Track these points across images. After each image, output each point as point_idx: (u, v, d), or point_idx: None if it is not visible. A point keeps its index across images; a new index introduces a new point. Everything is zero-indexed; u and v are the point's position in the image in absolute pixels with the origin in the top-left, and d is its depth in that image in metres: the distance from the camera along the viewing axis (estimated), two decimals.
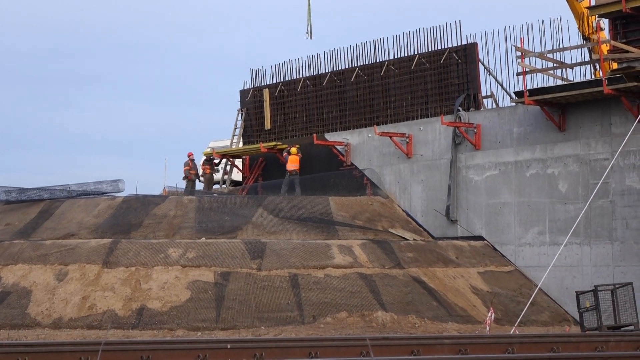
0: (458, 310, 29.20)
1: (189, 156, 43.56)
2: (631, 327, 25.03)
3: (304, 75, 42.75)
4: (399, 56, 38.74)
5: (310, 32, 23.08)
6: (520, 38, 33.84)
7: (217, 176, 46.04)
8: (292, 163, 38.93)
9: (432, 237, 34.48)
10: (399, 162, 36.66)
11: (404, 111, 37.56)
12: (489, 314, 27.84)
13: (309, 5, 21.54)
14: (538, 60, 33.38)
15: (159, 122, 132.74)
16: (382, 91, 38.96)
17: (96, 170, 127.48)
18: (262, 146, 42.38)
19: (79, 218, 35.00)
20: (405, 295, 29.43)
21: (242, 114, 45.49)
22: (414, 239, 33.64)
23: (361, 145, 38.33)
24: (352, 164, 38.49)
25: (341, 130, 39.74)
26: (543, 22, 34.25)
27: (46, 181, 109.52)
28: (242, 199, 38.10)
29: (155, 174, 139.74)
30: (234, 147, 45.49)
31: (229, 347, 15.56)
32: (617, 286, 25.67)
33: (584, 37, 34.14)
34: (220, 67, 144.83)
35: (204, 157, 44.64)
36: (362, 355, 14.39)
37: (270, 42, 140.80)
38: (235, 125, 45.89)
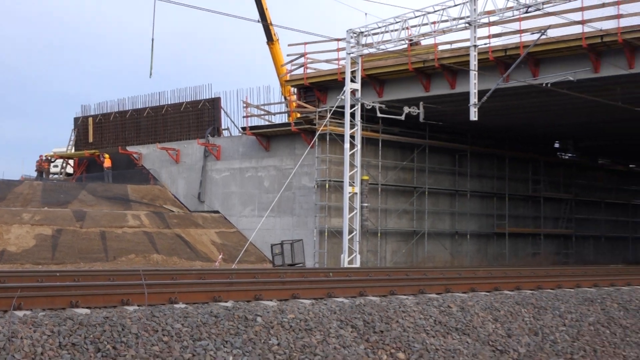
0: (202, 255, 29.16)
1: (40, 157, 42.47)
2: (301, 264, 25.88)
3: (115, 110, 41.65)
4: (174, 102, 38.38)
5: (151, 72, 22.43)
6: (246, 96, 34.31)
7: (55, 169, 44.79)
8: (107, 163, 38.10)
9: (189, 210, 34.20)
10: (171, 166, 36.17)
11: (176, 135, 37.19)
12: (220, 256, 28.01)
13: (152, 51, 20.94)
14: (255, 110, 33.86)
15: (19, 134, 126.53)
16: (163, 123, 38.39)
17: None
18: (86, 152, 41.11)
19: None
20: (171, 245, 29.13)
21: (74, 132, 43.81)
22: (178, 211, 33.36)
23: (149, 154, 37.55)
24: (142, 166, 37.66)
25: (137, 145, 38.81)
26: (259, 87, 34.97)
27: None
28: (72, 184, 36.93)
29: (16, 167, 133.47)
30: (68, 152, 43.81)
31: (57, 274, 15.05)
32: (293, 241, 26.46)
33: (284, 97, 34.98)
34: (63, 99, 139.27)
35: (45, 158, 42.98)
36: (141, 280, 14.23)
37: (98, 84, 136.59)
38: (70, 138, 44.13)
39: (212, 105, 36.35)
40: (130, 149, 38.56)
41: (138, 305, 10.04)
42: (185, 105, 37.44)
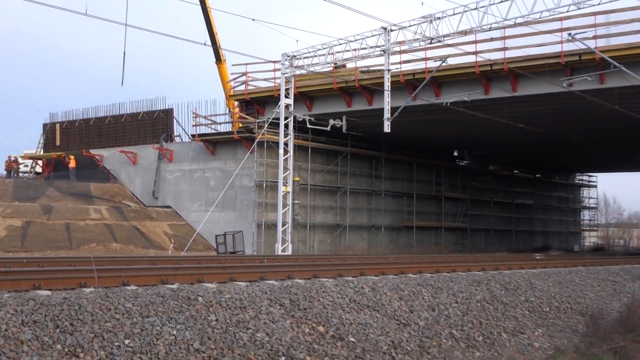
0: (156, 244, 28.57)
1: (9, 157, 40.58)
2: (241, 252, 25.70)
3: (80, 118, 40.38)
4: (132, 112, 37.45)
5: (122, 81, 22.37)
6: (195, 108, 33.87)
7: (26, 169, 42.98)
8: (72, 164, 36.90)
9: (145, 205, 33.45)
10: (129, 167, 35.33)
11: (134, 140, 36.28)
12: (171, 245, 27.56)
13: (124, 64, 20.82)
14: (203, 120, 33.44)
15: None
16: (122, 129, 37.41)
17: None
18: (54, 154, 39.68)
19: None
20: (128, 235, 28.45)
21: (43, 136, 42.28)
22: (135, 206, 32.61)
23: (109, 157, 36.56)
24: (104, 166, 36.64)
25: (99, 148, 37.74)
26: (207, 101, 34.59)
27: None
28: (41, 182, 35.62)
29: None
30: (37, 153, 42.21)
31: (24, 261, 14.51)
32: (235, 232, 26.26)
33: (229, 109, 34.65)
34: (32, 108, 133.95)
35: (13, 159, 41.27)
36: (101, 265, 13.85)
37: (65, 94, 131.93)
38: (39, 142, 42.58)
39: (166, 115, 35.69)
40: (93, 151, 37.51)
41: (94, 288, 9.81)
42: (142, 115, 36.63)
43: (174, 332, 8.74)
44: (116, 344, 8.11)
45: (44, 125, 42.47)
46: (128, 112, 37.70)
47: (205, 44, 19.00)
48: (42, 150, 42.14)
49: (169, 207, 32.77)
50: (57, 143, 40.91)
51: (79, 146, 39.21)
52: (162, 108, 36.16)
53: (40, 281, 9.67)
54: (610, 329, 13.34)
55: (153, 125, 35.91)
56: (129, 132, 37.01)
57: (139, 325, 8.66)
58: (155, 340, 8.46)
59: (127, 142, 36.51)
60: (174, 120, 35.74)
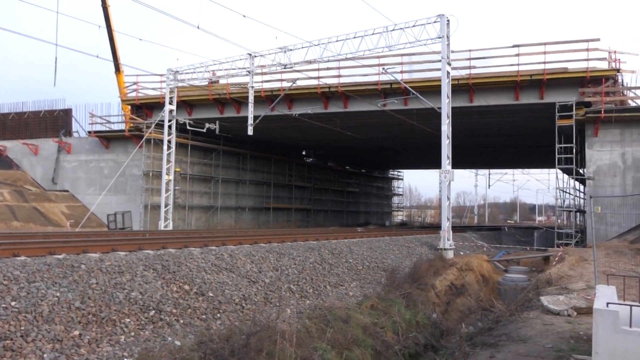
0: (54, 222, 26.10)
1: None
2: (129, 228, 24.25)
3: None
4: (35, 110, 33.56)
5: (55, 83, 21.39)
6: (92, 109, 31.35)
7: None
8: None
9: (45, 190, 30.39)
10: (31, 156, 31.84)
11: (36, 134, 32.61)
12: (68, 223, 25.38)
13: (56, 68, 19.12)
14: (99, 119, 31.04)
15: None
16: (25, 125, 33.36)
17: None
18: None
19: None
20: (29, 215, 25.75)
21: None
22: (36, 190, 29.54)
23: (13, 147, 32.49)
24: (7, 156, 32.45)
25: (2, 140, 33.50)
26: (102, 104, 32.23)
27: None
28: None
29: None
30: None
31: None
32: (124, 212, 24.79)
33: (123, 111, 32.37)
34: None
35: None
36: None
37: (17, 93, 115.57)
38: None
39: (65, 114, 32.64)
40: None
41: None
42: (43, 113, 33.18)
43: (58, 294, 8.09)
44: (3, 306, 7.34)
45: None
46: (31, 110, 33.98)
47: (97, 57, 17.67)
48: None
49: (67, 191, 30.09)
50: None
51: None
52: (62, 108, 33.05)
53: None
54: (402, 281, 14.39)
55: (53, 122, 32.69)
56: (31, 127, 33.36)
57: (25, 289, 7.91)
58: (40, 301, 7.78)
59: (30, 136, 32.91)
60: (73, 119, 32.85)
